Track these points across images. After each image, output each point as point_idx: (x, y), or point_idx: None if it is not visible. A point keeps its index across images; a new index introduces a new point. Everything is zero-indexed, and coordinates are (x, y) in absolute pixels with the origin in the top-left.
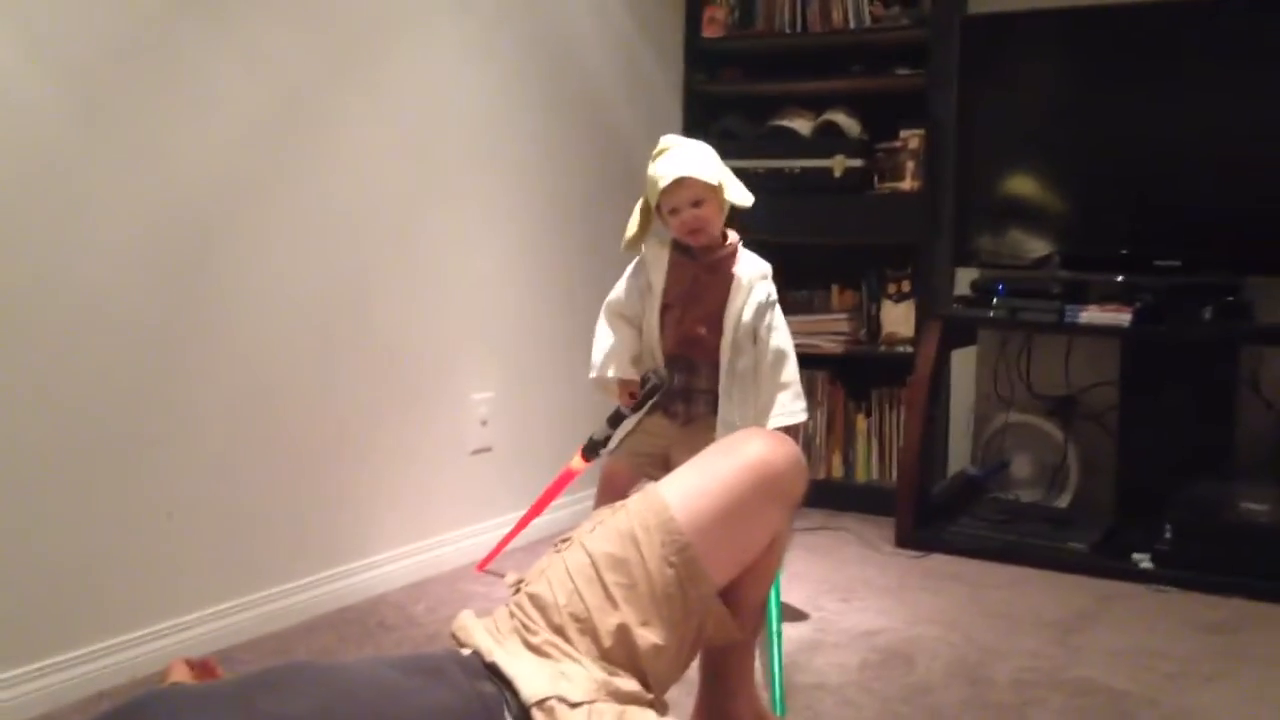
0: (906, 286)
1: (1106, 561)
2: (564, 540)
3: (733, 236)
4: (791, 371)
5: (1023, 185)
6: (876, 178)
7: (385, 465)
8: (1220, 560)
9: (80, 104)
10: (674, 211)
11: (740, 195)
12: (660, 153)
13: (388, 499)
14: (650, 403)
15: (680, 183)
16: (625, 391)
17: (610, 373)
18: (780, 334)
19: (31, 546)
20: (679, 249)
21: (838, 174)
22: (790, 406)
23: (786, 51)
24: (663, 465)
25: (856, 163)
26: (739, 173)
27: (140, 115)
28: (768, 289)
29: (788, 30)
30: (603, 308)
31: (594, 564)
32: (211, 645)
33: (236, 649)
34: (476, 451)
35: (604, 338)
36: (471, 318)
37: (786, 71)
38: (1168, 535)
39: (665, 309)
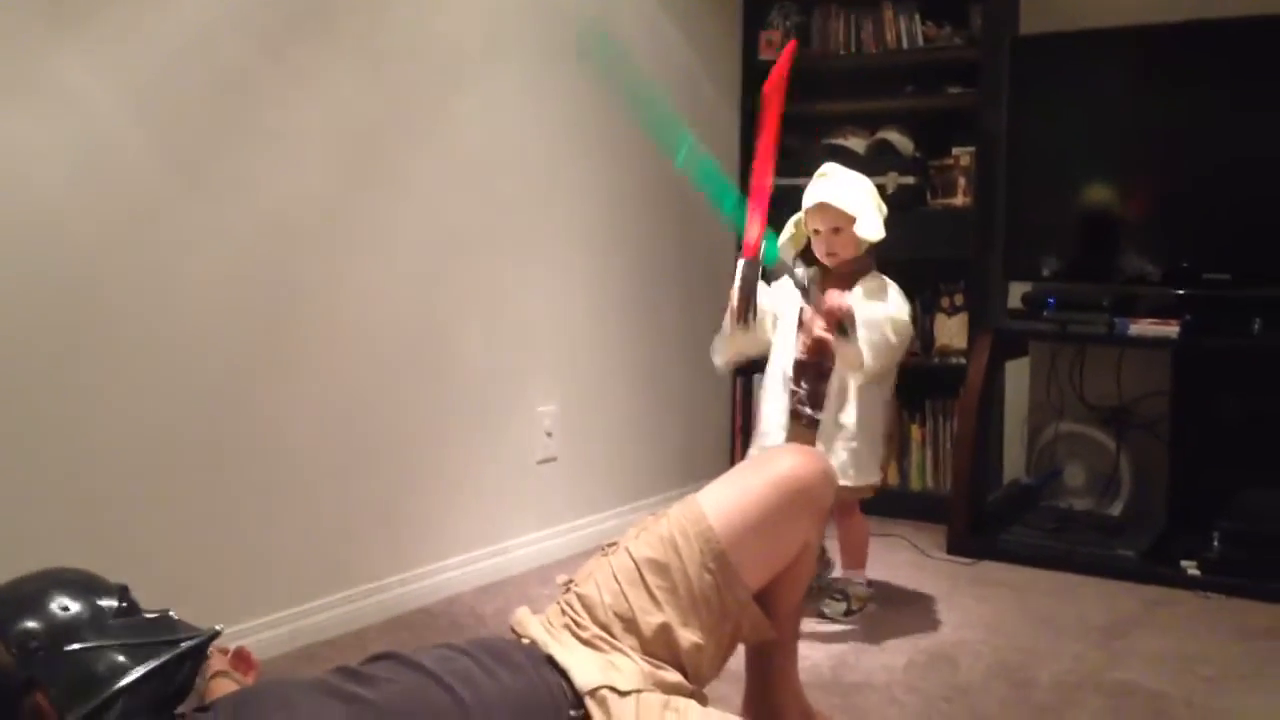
0: (959, 300)
1: (1155, 568)
2: (610, 545)
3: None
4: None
5: (1072, 200)
6: (929, 194)
7: (458, 475)
8: (1267, 568)
9: (173, 152)
10: (816, 232)
11: (868, 230)
12: (819, 176)
13: (460, 507)
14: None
15: (822, 207)
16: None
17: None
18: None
19: (136, 547)
20: (821, 267)
21: (891, 191)
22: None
23: (842, 72)
24: None
25: (910, 180)
26: (794, 190)
27: (226, 160)
28: (873, 308)
29: (842, 51)
30: None
31: (638, 567)
32: (296, 642)
33: (319, 645)
34: (542, 461)
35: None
36: (538, 337)
37: (842, 91)
38: (1216, 543)
39: (801, 320)
